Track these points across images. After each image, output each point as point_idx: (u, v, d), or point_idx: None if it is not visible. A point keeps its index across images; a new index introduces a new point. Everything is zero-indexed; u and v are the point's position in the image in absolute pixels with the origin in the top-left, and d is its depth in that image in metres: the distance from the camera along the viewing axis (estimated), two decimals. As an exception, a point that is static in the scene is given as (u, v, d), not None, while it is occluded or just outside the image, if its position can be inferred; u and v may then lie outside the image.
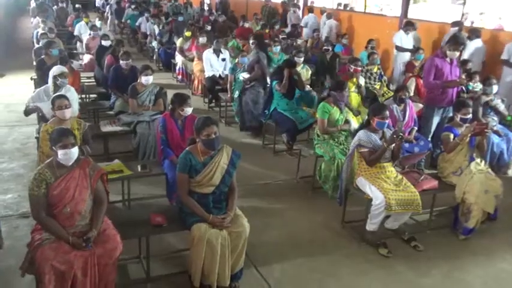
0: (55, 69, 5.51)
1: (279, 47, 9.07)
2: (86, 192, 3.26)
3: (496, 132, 5.92)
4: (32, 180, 3.14)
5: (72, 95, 5.61)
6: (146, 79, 5.80)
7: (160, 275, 3.81)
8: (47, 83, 5.66)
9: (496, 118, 6.12)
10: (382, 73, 8.15)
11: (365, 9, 13.38)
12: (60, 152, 3.17)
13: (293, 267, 4.05)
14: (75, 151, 3.23)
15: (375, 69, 7.96)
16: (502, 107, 6.18)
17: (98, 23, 11.59)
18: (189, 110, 4.64)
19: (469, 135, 4.68)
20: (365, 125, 4.55)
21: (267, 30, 12.35)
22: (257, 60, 7.23)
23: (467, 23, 10.53)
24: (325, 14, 12.93)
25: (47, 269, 2.97)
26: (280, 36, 11.24)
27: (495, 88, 6.12)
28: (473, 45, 8.29)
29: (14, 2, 21.64)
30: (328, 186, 5.21)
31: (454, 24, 9.01)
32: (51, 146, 3.22)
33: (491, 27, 10.99)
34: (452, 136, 4.79)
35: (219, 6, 18.05)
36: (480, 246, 4.55)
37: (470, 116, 4.87)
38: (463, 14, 11.08)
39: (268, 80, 7.20)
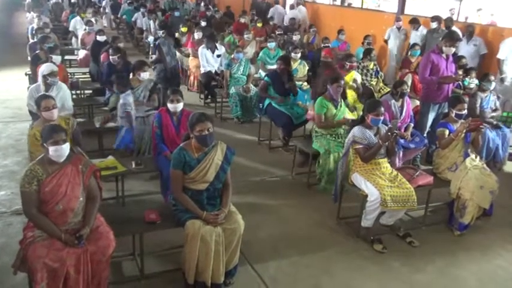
0: (44, 68, 5.40)
1: (274, 43, 9.03)
2: (79, 189, 3.24)
3: (495, 126, 5.91)
4: (23, 177, 3.12)
5: (65, 92, 5.56)
6: (144, 75, 5.78)
7: (154, 272, 3.79)
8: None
9: (493, 114, 6.11)
10: (379, 69, 8.13)
11: (362, 4, 13.32)
12: (51, 149, 3.13)
13: (288, 264, 4.04)
14: (66, 147, 3.19)
15: (371, 66, 7.93)
16: (496, 104, 6.18)
17: (91, 18, 11.51)
18: (174, 106, 4.62)
19: (464, 131, 4.67)
20: (360, 121, 4.53)
21: (259, 24, 12.26)
22: (159, 46, 7.80)
23: (461, 19, 10.52)
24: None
25: (39, 266, 2.95)
26: (277, 32, 11.19)
27: (493, 85, 6.10)
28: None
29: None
30: (323, 180, 5.22)
31: (434, 18, 9.04)
32: (42, 143, 3.19)
33: (485, 23, 10.96)
34: (447, 132, 4.79)
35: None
36: (475, 243, 4.55)
37: (465, 111, 4.87)
38: (458, 10, 11.08)
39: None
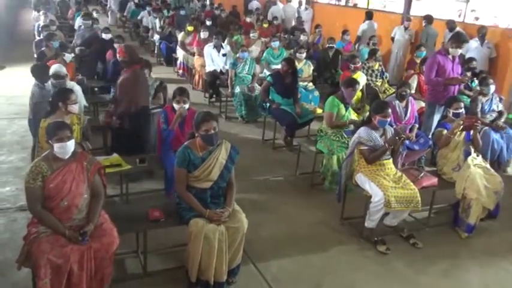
0: (51, 69, 5.45)
1: (277, 42, 9.01)
2: (83, 185, 3.25)
3: (500, 127, 5.88)
4: (28, 173, 3.13)
5: (78, 91, 5.58)
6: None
7: (157, 270, 3.80)
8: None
9: (494, 115, 6.09)
10: (384, 70, 8.12)
11: (368, 5, 13.29)
12: (56, 146, 3.15)
13: (291, 263, 4.04)
14: (71, 144, 3.20)
15: (376, 66, 7.93)
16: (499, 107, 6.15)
17: (95, 15, 11.55)
18: (181, 107, 4.61)
19: (460, 129, 4.66)
20: (366, 122, 4.51)
21: (265, 25, 12.27)
22: (95, 36, 8.41)
23: (468, 20, 10.51)
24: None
25: (43, 262, 2.95)
26: (282, 34, 11.18)
27: (492, 88, 6.05)
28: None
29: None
30: (327, 180, 5.22)
31: (424, 18, 9.65)
32: (47, 140, 3.21)
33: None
34: (445, 132, 4.79)
35: None
36: (479, 245, 4.54)
37: (462, 110, 4.87)
38: (471, 11, 11.08)
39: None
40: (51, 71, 5.43)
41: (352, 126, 5.32)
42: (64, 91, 4.42)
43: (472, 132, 4.73)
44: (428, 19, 9.81)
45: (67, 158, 3.22)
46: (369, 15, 11.20)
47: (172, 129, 4.58)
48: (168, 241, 4.08)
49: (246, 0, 16.55)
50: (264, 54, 9.00)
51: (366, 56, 8.88)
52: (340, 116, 5.37)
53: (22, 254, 3.14)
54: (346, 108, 5.43)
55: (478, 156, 4.76)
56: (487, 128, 5.78)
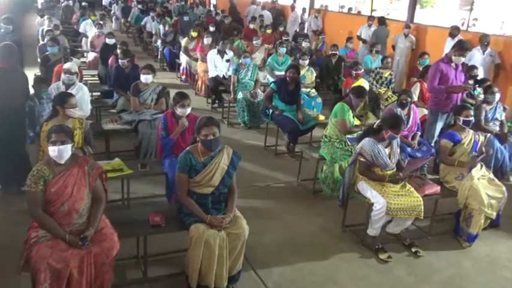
0: (65, 65, 5.57)
1: (285, 49, 9.04)
2: (84, 190, 3.24)
3: (506, 140, 5.86)
4: (29, 177, 3.12)
5: (84, 94, 5.62)
6: (145, 78, 5.81)
7: (157, 275, 3.78)
8: (51, 79, 5.69)
9: (497, 123, 6.06)
10: (392, 80, 8.13)
11: (371, 13, 13.31)
12: (50, 149, 3.14)
13: (292, 271, 4.02)
14: (65, 148, 3.17)
15: (386, 74, 7.95)
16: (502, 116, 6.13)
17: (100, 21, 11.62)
18: (183, 111, 4.61)
19: (472, 138, 4.64)
20: (374, 132, 4.39)
21: (268, 31, 12.31)
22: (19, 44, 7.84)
23: (472, 29, 10.52)
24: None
25: (42, 266, 2.94)
26: (283, 38, 11.20)
27: (497, 96, 6.03)
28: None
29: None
30: (326, 186, 5.22)
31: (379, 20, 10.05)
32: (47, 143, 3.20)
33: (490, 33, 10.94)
34: (451, 145, 4.74)
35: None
36: (482, 253, 4.51)
37: (472, 118, 4.83)
38: (475, 19, 11.09)
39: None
40: (65, 66, 5.58)
41: (355, 135, 5.31)
42: (63, 95, 4.41)
43: (480, 143, 4.71)
44: (381, 21, 11.04)
45: (68, 163, 3.21)
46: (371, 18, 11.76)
47: (173, 138, 4.58)
48: (169, 246, 4.06)
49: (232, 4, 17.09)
50: (269, 60, 9.01)
51: (369, 64, 8.92)
52: (348, 122, 5.36)
53: (22, 258, 3.13)
54: (353, 115, 5.42)
55: (481, 167, 4.72)
56: (491, 136, 5.75)
